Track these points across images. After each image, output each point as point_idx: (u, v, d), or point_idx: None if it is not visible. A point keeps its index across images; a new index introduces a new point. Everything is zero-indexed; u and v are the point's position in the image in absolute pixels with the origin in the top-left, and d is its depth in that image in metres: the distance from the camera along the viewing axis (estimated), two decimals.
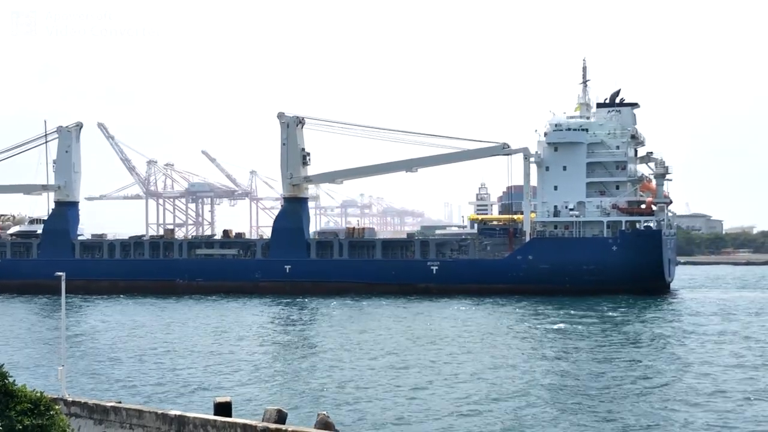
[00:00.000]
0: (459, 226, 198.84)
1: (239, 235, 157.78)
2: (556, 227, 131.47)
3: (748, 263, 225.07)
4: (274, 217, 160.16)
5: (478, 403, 50.57)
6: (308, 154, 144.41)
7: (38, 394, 25.10)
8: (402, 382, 57.03)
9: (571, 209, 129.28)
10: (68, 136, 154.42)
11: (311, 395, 53.32)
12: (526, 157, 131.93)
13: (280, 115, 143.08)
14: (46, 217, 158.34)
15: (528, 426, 45.28)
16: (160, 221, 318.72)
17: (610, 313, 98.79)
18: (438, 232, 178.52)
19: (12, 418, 23.67)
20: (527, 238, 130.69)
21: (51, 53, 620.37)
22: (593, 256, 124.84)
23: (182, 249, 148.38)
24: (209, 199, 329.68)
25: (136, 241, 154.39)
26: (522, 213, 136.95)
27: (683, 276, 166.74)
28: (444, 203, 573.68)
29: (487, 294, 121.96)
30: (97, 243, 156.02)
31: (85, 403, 34.45)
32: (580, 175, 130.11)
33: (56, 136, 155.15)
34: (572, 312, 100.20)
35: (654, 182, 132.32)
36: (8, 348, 78.11)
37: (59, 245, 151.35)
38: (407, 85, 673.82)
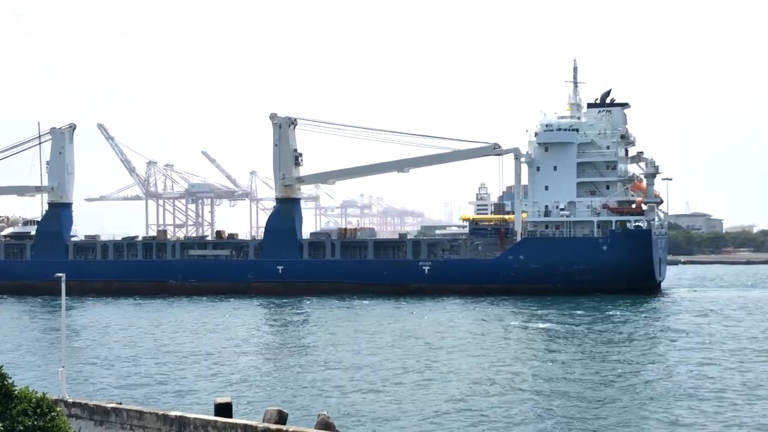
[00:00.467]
0: (459, 226, 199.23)
1: (232, 235, 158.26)
2: (547, 227, 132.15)
3: (748, 262, 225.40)
4: None
5: (477, 402, 51.12)
6: (300, 154, 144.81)
7: (40, 396, 25.25)
8: (401, 382, 57.58)
9: (561, 209, 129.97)
10: (61, 138, 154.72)
11: (311, 395, 53.71)
12: (517, 158, 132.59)
13: (273, 116, 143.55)
14: (39, 219, 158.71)
15: (528, 424, 45.96)
16: (160, 222, 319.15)
17: (597, 313, 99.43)
18: (438, 232, 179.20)
19: (13, 418, 23.87)
20: (518, 238, 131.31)
21: (51, 53, 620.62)
22: (584, 256, 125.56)
23: (175, 250, 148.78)
24: (209, 199, 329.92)
25: (129, 242, 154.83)
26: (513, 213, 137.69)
27: (682, 276, 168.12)
28: (444, 203, 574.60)
29: (478, 294, 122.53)
30: (91, 244, 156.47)
31: (86, 404, 34.60)
32: (570, 175, 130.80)
33: (50, 137, 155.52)
34: (561, 312, 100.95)
35: (645, 182, 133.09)
36: (5, 349, 78.41)
37: (53, 246, 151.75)
38: (400, 85, 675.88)
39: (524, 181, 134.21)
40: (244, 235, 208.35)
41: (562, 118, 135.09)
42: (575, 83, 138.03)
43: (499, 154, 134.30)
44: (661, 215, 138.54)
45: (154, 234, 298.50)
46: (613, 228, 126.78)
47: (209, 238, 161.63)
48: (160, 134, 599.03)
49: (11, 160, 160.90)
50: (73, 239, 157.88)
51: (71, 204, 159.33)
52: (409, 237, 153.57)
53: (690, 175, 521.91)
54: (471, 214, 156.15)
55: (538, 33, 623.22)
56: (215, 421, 31.24)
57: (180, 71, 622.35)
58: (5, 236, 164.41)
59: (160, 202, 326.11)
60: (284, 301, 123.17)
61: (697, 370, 60.77)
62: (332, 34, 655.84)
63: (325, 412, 33.54)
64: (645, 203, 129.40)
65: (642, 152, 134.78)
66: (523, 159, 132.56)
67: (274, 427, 29.96)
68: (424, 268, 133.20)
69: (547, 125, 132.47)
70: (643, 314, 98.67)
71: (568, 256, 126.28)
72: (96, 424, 33.66)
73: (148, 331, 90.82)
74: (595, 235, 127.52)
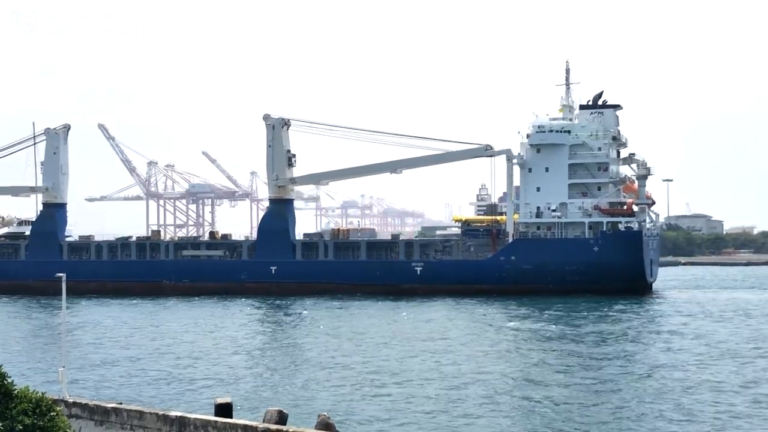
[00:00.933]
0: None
1: (225, 236, 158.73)
2: (538, 228, 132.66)
3: (748, 263, 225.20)
4: None
5: (475, 402, 51.54)
6: (294, 155, 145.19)
7: (39, 395, 25.25)
8: (400, 382, 57.91)
9: (553, 210, 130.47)
10: (56, 138, 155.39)
11: (311, 396, 53.93)
12: (509, 159, 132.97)
13: (266, 117, 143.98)
14: (34, 219, 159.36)
15: (518, 423, 46.48)
16: (161, 222, 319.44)
17: (586, 314, 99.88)
18: (438, 232, 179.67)
19: (13, 418, 23.86)
20: (510, 239, 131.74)
21: (51, 53, 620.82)
22: (575, 257, 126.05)
23: (169, 250, 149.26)
24: (210, 200, 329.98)
25: (123, 243, 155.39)
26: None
27: (681, 277, 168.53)
28: (444, 204, 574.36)
29: (471, 294, 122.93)
30: (85, 244, 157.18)
31: (86, 404, 34.66)
32: (562, 177, 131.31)
33: (44, 138, 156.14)
34: (551, 312, 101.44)
35: (636, 183, 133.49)
36: (2, 349, 78.64)
37: (47, 247, 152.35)
38: (393, 87, 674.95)
39: (516, 182, 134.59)
40: (244, 235, 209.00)
41: (554, 119, 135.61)
42: (567, 85, 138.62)
43: (491, 156, 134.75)
44: (653, 216, 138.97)
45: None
46: (605, 229, 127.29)
47: (203, 238, 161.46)
48: (160, 134, 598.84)
49: (6, 160, 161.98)
50: (67, 239, 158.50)
51: (66, 204, 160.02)
52: (401, 238, 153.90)
53: (690, 176, 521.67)
54: (468, 215, 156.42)
55: (530, 34, 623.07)
56: (215, 422, 31.28)
57: (180, 71, 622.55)
58: (0, 236, 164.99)
59: (161, 202, 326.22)
60: (279, 301, 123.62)
61: (677, 370, 61.33)
62: (327, 35, 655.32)
63: (325, 413, 33.60)
64: (636, 204, 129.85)
65: (634, 154, 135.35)
66: (515, 160, 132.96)
67: (274, 427, 30.02)
68: (416, 268, 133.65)
69: (539, 127, 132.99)
70: (632, 315, 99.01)
71: (559, 257, 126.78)
72: (96, 424, 33.73)
73: (146, 331, 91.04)
74: (587, 236, 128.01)
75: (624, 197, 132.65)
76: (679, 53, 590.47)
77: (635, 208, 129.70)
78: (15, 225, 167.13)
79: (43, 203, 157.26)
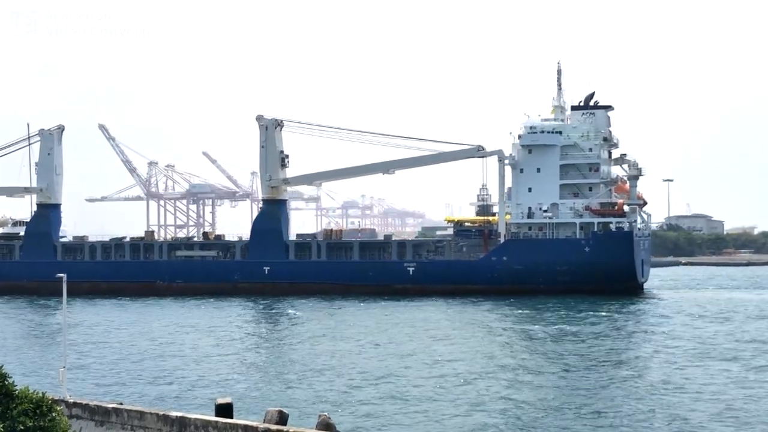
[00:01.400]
0: None
1: (219, 236, 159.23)
2: (530, 228, 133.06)
3: (749, 264, 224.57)
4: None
5: (474, 402, 51.90)
6: (287, 156, 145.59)
7: (40, 395, 25.16)
8: (400, 382, 58.20)
9: (544, 211, 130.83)
10: (50, 139, 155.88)
11: (312, 396, 54.10)
12: (501, 160, 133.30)
13: (259, 118, 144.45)
14: (28, 220, 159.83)
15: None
16: (161, 222, 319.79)
17: (574, 314, 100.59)
18: (439, 233, 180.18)
19: (14, 418, 23.81)
20: (502, 240, 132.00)
21: (51, 53, 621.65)
22: (566, 257, 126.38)
23: (162, 251, 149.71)
24: (210, 200, 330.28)
25: (117, 243, 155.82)
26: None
27: (679, 277, 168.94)
28: (445, 204, 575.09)
29: (462, 294, 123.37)
30: (79, 245, 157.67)
31: (87, 404, 34.63)
32: (553, 177, 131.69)
33: (39, 138, 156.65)
34: (541, 312, 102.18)
35: (628, 184, 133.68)
36: (1, 350, 78.87)
37: (41, 247, 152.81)
38: (386, 88, 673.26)
39: (508, 183, 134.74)
40: (238, 236, 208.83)
41: (546, 120, 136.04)
42: (559, 86, 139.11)
43: (483, 156, 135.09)
44: (645, 217, 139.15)
45: (158, 234, 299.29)
46: (595, 230, 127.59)
47: (196, 239, 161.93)
48: (160, 135, 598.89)
49: (2, 161, 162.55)
50: (61, 240, 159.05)
51: (60, 205, 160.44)
52: (394, 238, 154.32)
53: (691, 176, 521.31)
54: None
55: (522, 35, 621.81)
56: (216, 422, 31.25)
57: (180, 71, 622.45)
58: None
59: (161, 202, 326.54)
60: (273, 302, 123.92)
61: (651, 371, 61.86)
62: (322, 36, 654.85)
63: (326, 413, 33.64)
64: (627, 205, 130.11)
65: (625, 154, 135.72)
66: (506, 161, 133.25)
67: (274, 427, 30.05)
68: (408, 269, 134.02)
69: (530, 128, 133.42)
70: (617, 315, 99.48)
71: (550, 257, 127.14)
72: (97, 425, 33.74)
73: (144, 331, 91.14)
74: (578, 236, 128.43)
75: (616, 198, 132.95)
76: (680, 53, 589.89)
77: (626, 209, 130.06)
78: (10, 225, 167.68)
79: (37, 204, 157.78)
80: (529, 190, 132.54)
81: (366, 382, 58.51)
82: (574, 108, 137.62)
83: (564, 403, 51.37)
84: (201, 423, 31.39)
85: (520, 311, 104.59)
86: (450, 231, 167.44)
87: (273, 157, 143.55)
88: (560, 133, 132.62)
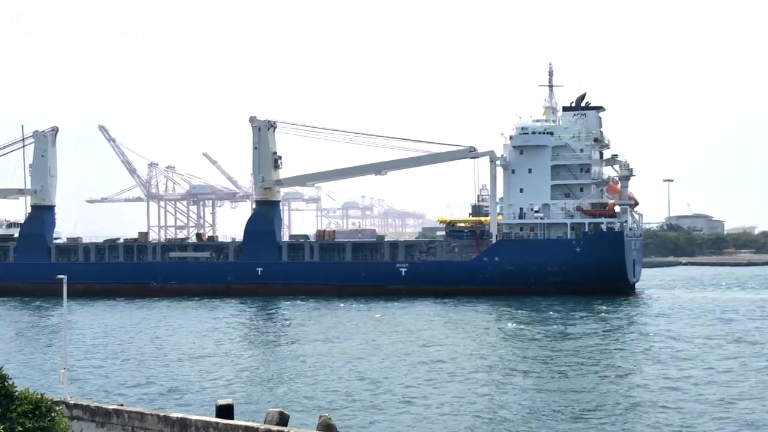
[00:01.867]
0: None
1: (212, 238, 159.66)
2: (522, 229, 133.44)
3: (749, 263, 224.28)
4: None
5: (472, 402, 52.20)
6: (280, 157, 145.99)
7: (39, 396, 25.26)
8: (400, 383, 58.47)
9: (536, 211, 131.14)
10: (44, 141, 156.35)
11: (312, 397, 54.29)
12: (492, 160, 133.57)
13: (252, 119, 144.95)
14: (23, 221, 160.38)
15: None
16: (162, 224, 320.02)
17: (560, 312, 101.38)
18: (439, 233, 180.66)
19: (13, 420, 23.86)
20: (494, 240, 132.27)
21: (51, 53, 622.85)
22: (557, 258, 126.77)
23: (156, 252, 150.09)
24: (210, 201, 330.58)
25: (111, 245, 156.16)
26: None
27: (678, 276, 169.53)
28: (445, 205, 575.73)
29: (455, 295, 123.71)
30: (73, 246, 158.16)
31: (87, 405, 34.87)
32: (545, 178, 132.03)
33: (33, 140, 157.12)
34: (531, 312, 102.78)
35: (619, 184, 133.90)
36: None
37: (35, 249, 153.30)
38: (379, 89, 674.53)
39: (500, 184, 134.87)
40: (231, 237, 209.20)
41: (537, 121, 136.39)
42: (551, 87, 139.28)
43: (474, 157, 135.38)
44: (636, 217, 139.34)
45: (158, 235, 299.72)
46: (587, 230, 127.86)
47: (190, 240, 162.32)
48: (160, 135, 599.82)
49: None
50: (55, 241, 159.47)
51: (54, 207, 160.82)
52: (386, 239, 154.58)
53: (691, 176, 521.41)
54: (441, 216, 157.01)
55: (514, 37, 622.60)
56: (217, 423, 31.40)
57: (180, 72, 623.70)
58: None
59: (162, 203, 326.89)
60: (267, 302, 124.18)
61: (633, 369, 62.51)
62: (316, 38, 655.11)
63: (327, 414, 33.71)
64: (618, 205, 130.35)
65: (617, 155, 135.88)
66: (498, 162, 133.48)
67: (275, 428, 30.26)
68: (401, 269, 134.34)
69: (522, 128, 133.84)
70: (608, 315, 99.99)
71: (542, 257, 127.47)
72: (97, 426, 33.96)
73: (141, 332, 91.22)
74: (569, 236, 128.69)
75: (608, 198, 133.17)
76: (681, 53, 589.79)
77: (617, 209, 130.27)
78: (4, 227, 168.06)
79: (31, 206, 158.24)
80: (521, 190, 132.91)
81: (365, 383, 58.71)
82: (565, 109, 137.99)
83: (550, 403, 51.79)
84: (202, 424, 31.58)
85: (511, 312, 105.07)
86: None
87: (266, 159, 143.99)
88: (551, 133, 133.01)
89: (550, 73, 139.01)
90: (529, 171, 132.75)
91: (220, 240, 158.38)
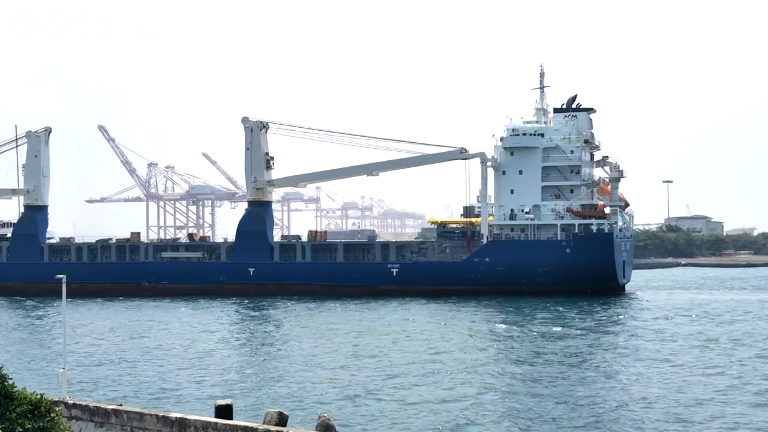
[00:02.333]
0: None
1: (204, 238, 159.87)
2: (512, 230, 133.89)
3: (748, 265, 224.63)
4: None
5: (470, 401, 52.71)
6: (272, 158, 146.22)
7: (38, 397, 25.27)
8: (400, 383, 58.82)
9: (526, 212, 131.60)
10: (37, 141, 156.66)
11: (311, 397, 54.52)
12: (483, 162, 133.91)
13: (244, 120, 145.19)
14: (15, 221, 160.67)
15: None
16: (161, 223, 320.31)
17: (550, 312, 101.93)
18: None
19: (12, 420, 23.90)
20: (485, 241, 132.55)
21: (51, 53, 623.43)
22: (547, 258, 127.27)
23: (148, 252, 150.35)
24: (210, 201, 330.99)
25: (103, 245, 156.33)
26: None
27: (677, 277, 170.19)
28: (445, 205, 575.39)
29: (445, 295, 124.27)
30: (65, 246, 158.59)
31: (86, 405, 34.98)
32: (535, 179, 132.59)
33: (26, 140, 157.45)
34: (521, 313, 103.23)
35: (610, 186, 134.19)
36: None
37: (28, 248, 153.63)
38: (371, 90, 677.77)
39: (491, 185, 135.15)
40: (223, 237, 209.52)
41: (528, 122, 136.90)
42: (542, 88, 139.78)
43: (465, 159, 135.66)
44: (626, 218, 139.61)
45: (158, 235, 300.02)
46: (577, 231, 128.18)
47: (182, 240, 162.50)
48: (160, 135, 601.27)
49: None
50: (48, 241, 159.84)
51: (47, 207, 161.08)
52: (378, 240, 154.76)
53: (691, 177, 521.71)
54: (432, 217, 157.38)
55: (505, 38, 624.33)
56: (216, 423, 31.49)
57: (180, 72, 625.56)
58: None
59: (161, 203, 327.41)
60: (259, 302, 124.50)
61: (619, 368, 63.02)
62: (310, 40, 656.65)
63: (326, 414, 33.81)
64: (608, 206, 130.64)
65: (607, 156, 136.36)
66: (489, 163, 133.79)
67: (274, 428, 30.39)
68: (392, 270, 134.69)
69: (512, 130, 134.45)
70: (597, 315, 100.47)
71: (532, 258, 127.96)
72: (96, 426, 34.09)
73: (137, 332, 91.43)
74: (559, 238, 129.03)
75: (598, 199, 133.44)
76: (681, 54, 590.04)
77: (607, 210, 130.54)
78: None
79: (24, 206, 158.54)
80: (512, 191, 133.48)
81: (363, 383, 59.00)
82: (556, 110, 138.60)
83: (540, 402, 52.36)
84: (201, 424, 31.78)
85: (501, 312, 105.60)
86: None
87: (258, 159, 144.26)
88: (542, 135, 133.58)
89: (542, 75, 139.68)
90: (520, 172, 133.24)
91: (212, 240, 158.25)
